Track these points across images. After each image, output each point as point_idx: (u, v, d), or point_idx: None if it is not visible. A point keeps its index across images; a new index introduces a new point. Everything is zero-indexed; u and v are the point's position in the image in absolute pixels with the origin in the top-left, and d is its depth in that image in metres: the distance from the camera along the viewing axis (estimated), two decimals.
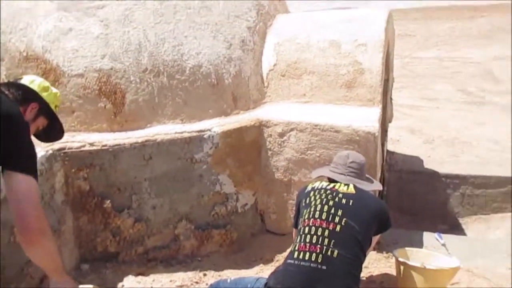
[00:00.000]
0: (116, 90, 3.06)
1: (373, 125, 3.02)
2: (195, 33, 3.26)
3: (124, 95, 3.07)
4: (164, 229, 3.13)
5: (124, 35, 3.12)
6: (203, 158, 3.09)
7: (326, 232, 2.25)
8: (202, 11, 3.34)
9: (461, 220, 4.76)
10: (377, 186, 2.74)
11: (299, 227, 2.40)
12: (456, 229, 4.64)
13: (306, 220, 2.35)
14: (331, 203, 2.34)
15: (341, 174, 2.54)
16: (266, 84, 3.53)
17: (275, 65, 3.51)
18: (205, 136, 3.07)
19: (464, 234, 4.58)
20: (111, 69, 3.06)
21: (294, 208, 2.74)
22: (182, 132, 3.04)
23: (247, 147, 3.24)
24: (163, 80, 3.13)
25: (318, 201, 2.40)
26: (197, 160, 3.08)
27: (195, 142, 3.05)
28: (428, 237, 3.52)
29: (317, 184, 2.54)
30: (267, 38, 3.64)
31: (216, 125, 3.14)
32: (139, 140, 2.97)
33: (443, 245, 3.38)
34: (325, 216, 2.30)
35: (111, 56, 3.07)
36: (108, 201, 2.98)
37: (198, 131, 3.07)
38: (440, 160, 5.23)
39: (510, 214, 4.66)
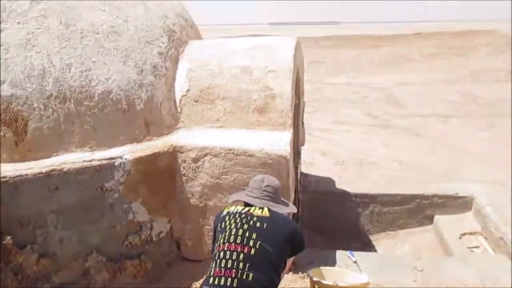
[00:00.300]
0: (17, 117, 2.88)
1: (285, 149, 3.10)
2: (104, 58, 3.18)
3: (27, 122, 2.90)
4: (73, 263, 2.95)
5: (26, 60, 2.95)
6: (114, 187, 2.98)
7: (241, 256, 2.25)
8: (111, 36, 3.27)
9: (371, 237, 5.00)
10: (291, 209, 2.79)
11: (214, 252, 2.38)
12: (367, 246, 4.86)
13: (221, 245, 2.34)
14: (245, 226, 2.35)
15: (257, 198, 2.56)
16: (179, 109, 3.51)
17: (188, 90, 3.51)
18: (116, 164, 2.97)
19: (375, 250, 4.80)
20: (12, 95, 2.87)
21: (210, 233, 2.71)
22: (91, 160, 2.92)
23: (161, 173, 3.18)
24: (69, 106, 3.00)
25: (233, 225, 2.39)
26: (107, 188, 2.96)
27: (105, 170, 2.94)
28: (341, 255, 3.64)
29: (232, 209, 2.54)
30: (180, 64, 3.64)
31: (127, 152, 3.05)
32: (44, 170, 2.80)
33: (355, 262, 3.51)
34: (239, 240, 2.30)
35: (12, 82, 2.88)
36: (9, 237, 2.76)
37: (109, 159, 2.97)
38: (350, 181, 5.47)
39: (415, 229, 4.97)
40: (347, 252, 3.68)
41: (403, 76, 15.71)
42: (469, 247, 4.28)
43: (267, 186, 2.60)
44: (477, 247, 4.29)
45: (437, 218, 4.84)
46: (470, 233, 4.51)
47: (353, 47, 25.81)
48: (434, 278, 3.34)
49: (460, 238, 4.43)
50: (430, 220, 4.91)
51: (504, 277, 3.33)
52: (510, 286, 3.22)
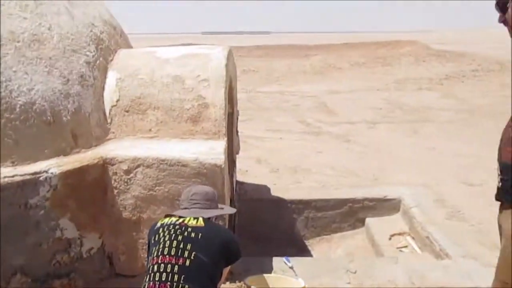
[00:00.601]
0: None
1: (219, 158, 3.09)
2: (26, 68, 3.01)
3: None
4: None
5: None
6: (39, 203, 2.82)
7: (176, 268, 2.21)
8: (33, 44, 3.11)
9: (307, 242, 5.09)
10: (228, 210, 2.80)
11: (148, 266, 2.32)
12: (303, 251, 4.94)
13: (155, 258, 2.28)
14: (180, 238, 2.31)
15: (185, 208, 2.54)
16: (109, 120, 3.40)
17: (118, 100, 3.41)
18: (41, 179, 2.81)
19: (310, 255, 4.90)
20: None
21: (145, 247, 2.64)
22: (13, 176, 2.74)
23: (91, 187, 3.05)
24: None
25: (167, 237, 2.35)
26: (32, 205, 2.80)
27: (29, 186, 2.78)
28: (277, 261, 3.67)
29: (166, 220, 2.49)
30: (109, 73, 3.53)
31: (54, 166, 2.91)
32: None
33: (291, 267, 3.56)
34: (174, 251, 2.26)
35: None
36: None
37: (33, 174, 2.81)
38: (285, 187, 5.56)
39: (348, 233, 5.13)
40: (283, 258, 3.72)
41: (333, 84, 16.25)
42: (398, 247, 4.48)
43: (194, 194, 2.59)
44: (406, 246, 4.50)
45: (368, 220, 5.02)
46: (399, 234, 4.72)
47: (285, 56, 26.43)
48: (367, 279, 3.45)
49: (389, 239, 4.63)
50: (362, 223, 5.09)
51: (430, 274, 3.50)
52: (436, 282, 3.39)
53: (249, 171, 6.22)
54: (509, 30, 1.84)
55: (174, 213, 2.57)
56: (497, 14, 1.86)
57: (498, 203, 1.98)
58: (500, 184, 1.90)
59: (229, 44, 4.49)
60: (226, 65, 3.56)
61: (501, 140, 1.87)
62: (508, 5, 1.76)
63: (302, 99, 12.98)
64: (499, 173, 1.91)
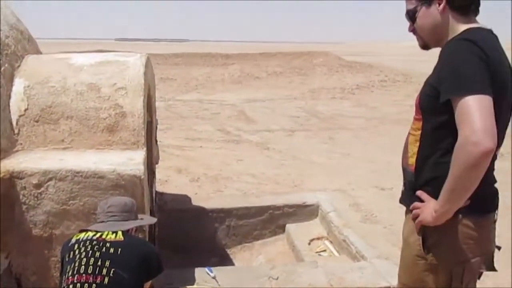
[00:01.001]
0: None
1: (138, 168, 2.99)
2: None
3: None
4: None
5: None
6: None
7: (93, 287, 2.09)
8: None
9: (229, 251, 5.08)
10: (148, 220, 2.72)
11: (62, 286, 2.18)
12: (225, 260, 4.92)
13: (70, 277, 2.15)
14: (97, 254, 2.20)
15: (102, 222, 2.43)
16: (16, 131, 3.17)
17: (26, 110, 3.19)
18: None
19: (232, 263, 4.89)
20: None
21: (58, 265, 2.48)
22: None
23: None
24: None
25: (83, 254, 2.22)
26: None
27: None
28: (200, 272, 3.62)
29: (82, 236, 2.36)
30: (16, 80, 3.30)
31: None
32: None
33: (214, 278, 3.52)
34: (91, 269, 2.14)
35: None
36: None
37: None
38: (206, 196, 5.52)
39: (269, 239, 5.19)
40: (206, 269, 3.67)
41: (251, 93, 16.49)
42: (317, 252, 4.61)
43: (110, 206, 2.50)
44: (324, 250, 4.64)
45: (288, 226, 5.12)
46: (318, 238, 4.87)
47: (203, 64, 26.43)
48: (288, 284, 3.51)
49: (309, 244, 4.75)
50: (282, 229, 5.18)
51: (348, 276, 3.64)
52: (353, 283, 3.53)
53: (169, 181, 6.11)
54: (418, 40, 1.96)
55: (90, 228, 2.45)
56: (406, 25, 1.97)
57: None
58: (403, 188, 2.01)
59: (144, 51, 4.39)
60: (144, 73, 3.47)
61: (404, 146, 1.98)
62: (416, 15, 1.87)
63: (221, 108, 13.02)
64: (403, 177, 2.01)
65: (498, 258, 1.89)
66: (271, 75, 22.12)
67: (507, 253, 3.10)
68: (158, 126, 4.83)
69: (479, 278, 1.88)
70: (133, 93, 3.32)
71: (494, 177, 1.84)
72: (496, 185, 1.85)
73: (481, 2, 1.80)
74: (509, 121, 1.83)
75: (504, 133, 1.81)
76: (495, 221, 1.84)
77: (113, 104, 3.27)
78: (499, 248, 1.88)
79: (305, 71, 23.34)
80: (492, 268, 1.86)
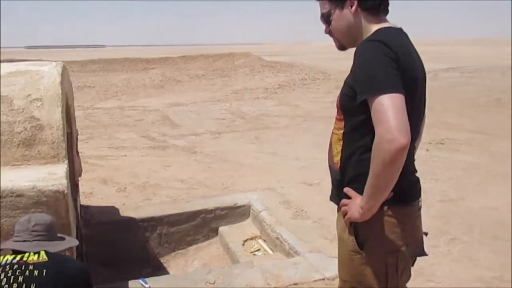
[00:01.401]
0: None
1: (61, 183, 2.84)
2: None
3: None
4: None
5: None
6: None
7: None
8: None
9: (162, 260, 4.98)
10: (71, 242, 2.57)
11: None
12: (159, 269, 4.82)
13: None
14: (20, 279, 2.05)
15: (26, 241, 2.27)
16: None
17: None
18: None
19: (167, 272, 4.80)
20: None
21: None
22: None
23: None
24: None
25: (5, 280, 2.06)
26: None
27: None
28: (133, 284, 3.52)
29: (0, 260, 2.19)
30: None
31: None
32: None
33: None
34: None
35: None
36: None
37: None
38: (135, 206, 5.36)
39: (202, 244, 5.15)
40: (140, 280, 3.58)
41: (174, 97, 16.26)
42: (251, 251, 4.65)
43: (35, 225, 2.33)
44: (258, 250, 4.69)
45: (221, 229, 5.12)
46: (251, 238, 4.91)
47: (122, 70, 25.68)
48: (226, 287, 3.51)
49: (243, 244, 4.79)
50: (215, 232, 5.17)
51: (283, 273, 3.70)
52: (289, 279, 3.60)
53: (94, 193, 5.85)
54: (334, 41, 2.03)
55: (8, 246, 2.28)
56: (322, 27, 2.04)
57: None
58: (332, 186, 2.07)
59: (59, 58, 4.18)
60: (61, 82, 3.30)
61: (329, 145, 2.04)
62: (331, 17, 1.94)
63: (144, 114, 12.71)
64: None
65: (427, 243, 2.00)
66: (194, 78, 21.96)
67: None
68: (78, 137, 4.62)
69: (412, 264, 1.98)
70: (50, 104, 3.15)
71: (414, 166, 1.95)
72: (417, 174, 1.96)
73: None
74: (423, 113, 1.95)
75: (419, 126, 1.93)
76: (419, 208, 1.95)
77: (28, 116, 3.08)
78: (426, 234, 1.99)
79: (227, 72, 23.43)
80: (423, 253, 1.96)
